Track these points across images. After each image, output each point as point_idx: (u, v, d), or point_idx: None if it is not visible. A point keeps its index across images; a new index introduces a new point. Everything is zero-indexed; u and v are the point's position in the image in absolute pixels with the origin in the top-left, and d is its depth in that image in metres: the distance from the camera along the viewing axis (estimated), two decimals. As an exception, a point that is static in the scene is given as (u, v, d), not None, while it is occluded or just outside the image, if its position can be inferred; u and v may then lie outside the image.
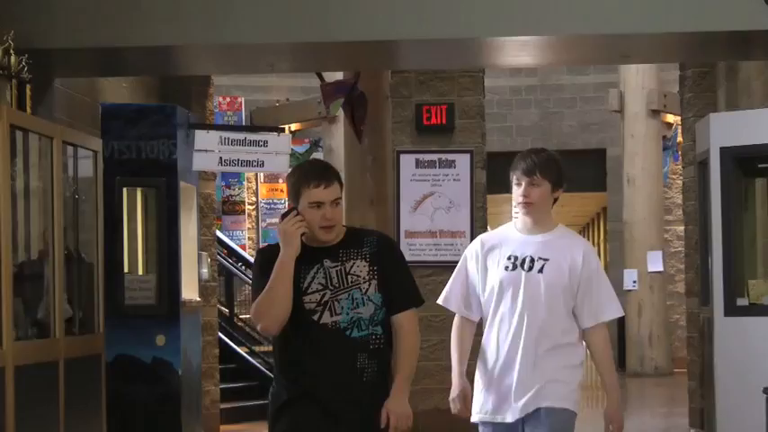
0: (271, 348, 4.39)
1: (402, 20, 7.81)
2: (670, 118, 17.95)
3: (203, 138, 9.82)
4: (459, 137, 10.85)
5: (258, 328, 4.19)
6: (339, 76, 11.31)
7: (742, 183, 8.33)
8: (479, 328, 4.75)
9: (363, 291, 4.12)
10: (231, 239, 16.38)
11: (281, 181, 18.46)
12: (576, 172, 12.84)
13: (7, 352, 6.59)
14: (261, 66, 9.92)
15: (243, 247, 17.11)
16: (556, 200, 4.71)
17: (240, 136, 10.02)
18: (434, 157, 10.67)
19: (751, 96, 9.60)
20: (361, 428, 4.13)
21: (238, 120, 18.75)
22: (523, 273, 4.60)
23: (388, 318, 4.17)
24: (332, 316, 4.10)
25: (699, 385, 9.84)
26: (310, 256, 4.12)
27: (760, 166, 8.34)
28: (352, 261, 4.15)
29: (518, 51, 8.66)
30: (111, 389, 8.37)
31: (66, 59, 8.41)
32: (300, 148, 18.44)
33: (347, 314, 4.10)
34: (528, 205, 4.62)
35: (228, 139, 9.90)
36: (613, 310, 4.69)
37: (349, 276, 4.13)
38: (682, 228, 12.72)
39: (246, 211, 19.32)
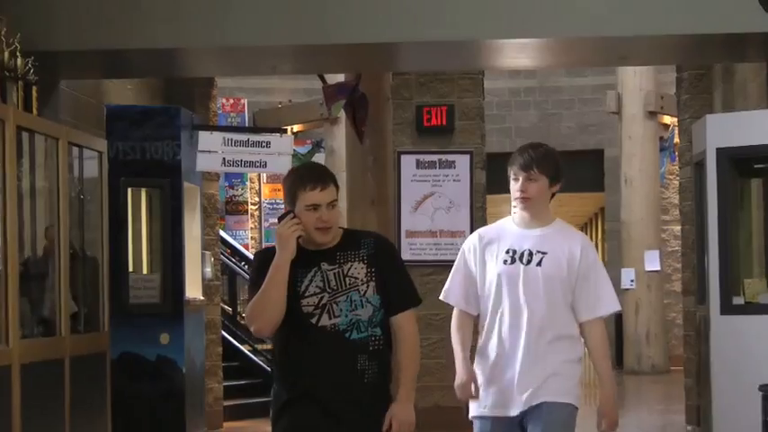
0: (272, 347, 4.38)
1: (403, 22, 7.84)
2: (667, 119, 17.94)
3: (207, 139, 9.85)
4: (458, 138, 10.89)
5: (251, 329, 4.18)
6: (341, 78, 11.31)
7: (738, 183, 8.28)
8: (477, 327, 4.70)
9: (361, 293, 4.08)
10: (234, 239, 16.34)
11: (283, 181, 18.40)
12: (574, 173, 12.87)
13: (14, 350, 6.62)
14: (263, 68, 10.01)
15: (246, 247, 17.07)
16: (554, 194, 4.67)
17: (243, 137, 10.06)
18: (435, 157, 10.72)
19: (747, 98, 9.58)
20: (362, 429, 4.11)
21: (241, 121, 18.67)
22: (522, 266, 4.56)
23: (387, 319, 4.13)
24: (330, 318, 4.06)
25: (695, 383, 9.84)
26: (307, 259, 4.09)
27: (756, 166, 8.31)
28: (349, 263, 4.11)
29: (517, 53, 8.68)
30: (115, 386, 8.39)
31: (72, 62, 8.44)
32: (303, 149, 18.38)
33: (346, 316, 4.06)
34: (525, 200, 4.59)
35: (231, 140, 9.93)
36: (610, 305, 4.64)
37: (347, 279, 4.09)
38: (678, 227, 12.73)
39: (249, 211, 19.26)
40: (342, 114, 11.94)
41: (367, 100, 10.52)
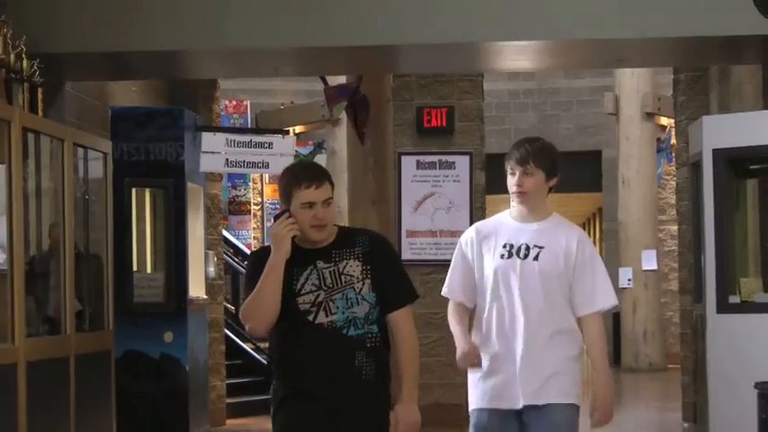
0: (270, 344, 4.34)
1: (403, 25, 7.87)
2: (664, 121, 17.90)
3: (210, 140, 9.90)
4: (458, 139, 10.92)
5: (246, 328, 4.16)
6: (342, 79, 11.29)
7: (734, 184, 8.24)
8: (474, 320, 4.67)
9: (357, 290, 4.06)
10: (237, 239, 16.35)
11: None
12: (572, 173, 12.96)
13: (19, 348, 6.62)
14: (265, 70, 10.00)
15: (249, 247, 17.01)
16: (551, 189, 4.64)
17: (246, 138, 10.11)
18: (435, 158, 10.76)
19: (742, 100, 9.59)
20: (360, 426, 4.09)
21: (244, 122, 18.67)
22: (519, 261, 4.53)
23: (383, 317, 4.11)
24: (327, 316, 4.04)
25: (692, 380, 9.87)
26: (303, 257, 4.07)
27: (751, 167, 8.29)
28: (345, 261, 4.09)
29: (516, 56, 8.71)
30: (120, 384, 8.38)
31: (76, 64, 8.47)
32: (304, 150, 18.32)
33: (342, 313, 4.04)
34: (522, 194, 4.57)
35: (234, 141, 9.98)
36: (607, 299, 4.60)
37: (342, 276, 4.07)
38: (675, 227, 12.76)
39: (252, 211, 19.26)
40: (343, 116, 11.93)
41: (368, 102, 10.56)
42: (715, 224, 7.96)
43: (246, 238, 18.61)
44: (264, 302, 4.03)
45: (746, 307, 7.92)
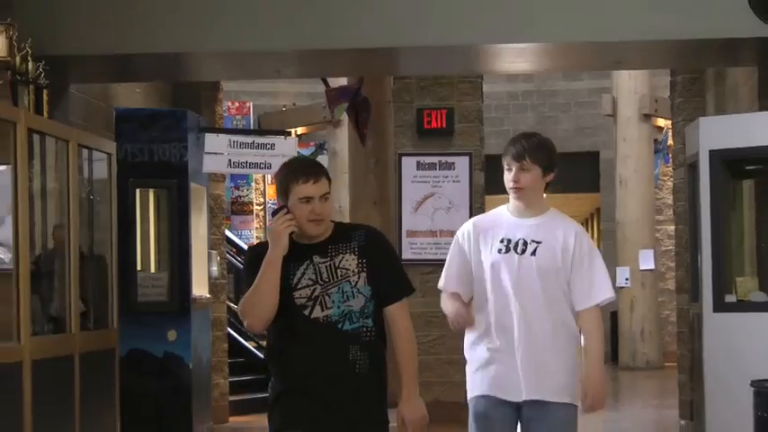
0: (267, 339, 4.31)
1: (404, 28, 7.89)
2: (661, 122, 17.88)
3: (213, 141, 9.91)
4: (458, 140, 10.95)
5: (244, 324, 4.17)
6: (343, 81, 11.36)
7: (730, 184, 8.26)
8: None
9: (353, 283, 4.06)
10: (240, 239, 16.25)
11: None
12: (570, 174, 13.05)
13: (25, 347, 6.58)
14: (267, 72, 9.98)
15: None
16: (548, 184, 4.61)
17: (248, 139, 10.10)
18: (435, 159, 10.80)
19: (738, 101, 9.61)
20: (354, 419, 4.08)
21: (246, 124, 18.66)
22: (516, 256, 4.51)
23: (379, 311, 4.11)
24: (323, 310, 4.05)
25: (688, 378, 9.90)
26: (300, 252, 4.06)
27: (747, 168, 8.31)
28: (341, 255, 4.09)
29: (515, 58, 8.73)
30: (124, 382, 8.36)
31: (80, 66, 8.47)
32: (306, 151, 18.24)
33: (338, 307, 4.05)
34: (518, 190, 4.55)
35: (237, 142, 9.98)
36: (604, 292, 4.56)
37: (338, 270, 4.07)
38: (672, 227, 12.81)
39: (254, 212, 19.26)
40: (344, 117, 12.01)
41: (369, 103, 10.62)
42: (711, 224, 7.96)
43: (249, 237, 18.58)
44: (262, 299, 4.03)
45: (742, 306, 7.96)
